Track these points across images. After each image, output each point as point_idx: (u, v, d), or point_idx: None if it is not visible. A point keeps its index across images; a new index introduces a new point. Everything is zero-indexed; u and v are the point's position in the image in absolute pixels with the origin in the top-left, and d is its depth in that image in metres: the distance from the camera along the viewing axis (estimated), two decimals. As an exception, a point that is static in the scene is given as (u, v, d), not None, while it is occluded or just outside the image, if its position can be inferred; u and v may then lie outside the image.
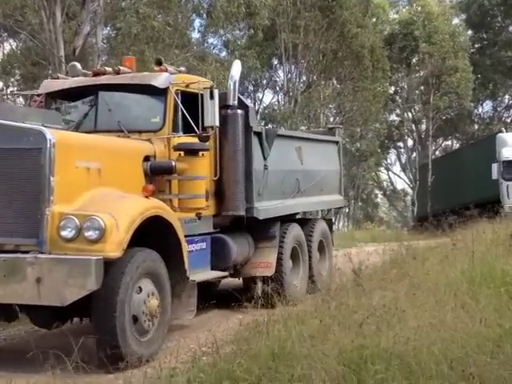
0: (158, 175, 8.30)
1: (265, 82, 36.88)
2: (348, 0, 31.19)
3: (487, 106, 49.31)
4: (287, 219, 11.14)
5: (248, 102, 10.67)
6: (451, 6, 43.93)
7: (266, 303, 8.83)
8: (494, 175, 25.57)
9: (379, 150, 42.89)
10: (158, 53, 20.00)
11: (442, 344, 5.60)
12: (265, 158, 10.33)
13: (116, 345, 6.75)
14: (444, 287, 7.90)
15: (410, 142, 47.81)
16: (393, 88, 43.24)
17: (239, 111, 9.59)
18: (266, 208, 10.24)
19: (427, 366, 5.21)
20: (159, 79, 8.75)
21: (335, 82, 35.71)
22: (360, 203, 49.48)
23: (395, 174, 52.45)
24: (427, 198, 37.56)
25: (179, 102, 8.65)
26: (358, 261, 10.76)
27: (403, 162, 49.73)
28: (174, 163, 8.29)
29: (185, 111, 8.60)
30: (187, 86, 8.90)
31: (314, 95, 32.63)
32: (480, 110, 49.36)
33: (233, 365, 5.61)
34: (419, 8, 41.21)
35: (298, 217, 12.51)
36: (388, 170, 52.95)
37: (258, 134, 10.21)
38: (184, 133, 8.68)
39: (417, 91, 43.12)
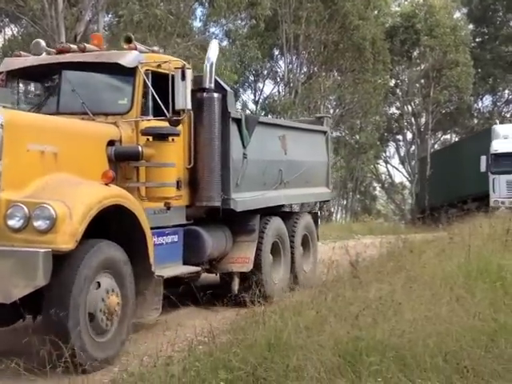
0: (123, 161, 7.67)
1: (266, 72, 36.82)
2: (350, -8, 31.19)
3: (487, 100, 49.35)
4: (269, 212, 10.51)
5: (226, 85, 9.78)
6: (453, 0, 43.79)
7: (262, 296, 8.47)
8: (482, 168, 24.93)
9: (378, 143, 42.81)
10: (160, 41, 20.03)
11: (437, 337, 5.64)
12: (244, 147, 9.63)
13: (69, 347, 5.94)
14: (440, 281, 7.92)
15: (409, 135, 47.81)
16: (393, 81, 43.16)
17: (216, 95, 8.92)
18: (244, 200, 9.62)
19: (422, 358, 5.26)
20: (127, 58, 8.04)
21: (336, 73, 35.67)
22: (358, 196, 49.42)
23: (394, 166, 52.47)
24: (425, 191, 37.52)
25: (149, 83, 7.95)
26: (355, 253, 10.75)
27: (402, 154, 49.73)
28: (140, 148, 7.64)
29: (155, 93, 7.89)
30: (158, 66, 8.17)
31: (314, 86, 32.61)
32: (480, 104, 49.37)
33: (229, 354, 5.65)
34: (421, 1, 41.12)
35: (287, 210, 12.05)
36: (387, 162, 52.88)
37: (237, 121, 9.53)
38: (154, 116, 7.99)
39: (417, 84, 43.03)
